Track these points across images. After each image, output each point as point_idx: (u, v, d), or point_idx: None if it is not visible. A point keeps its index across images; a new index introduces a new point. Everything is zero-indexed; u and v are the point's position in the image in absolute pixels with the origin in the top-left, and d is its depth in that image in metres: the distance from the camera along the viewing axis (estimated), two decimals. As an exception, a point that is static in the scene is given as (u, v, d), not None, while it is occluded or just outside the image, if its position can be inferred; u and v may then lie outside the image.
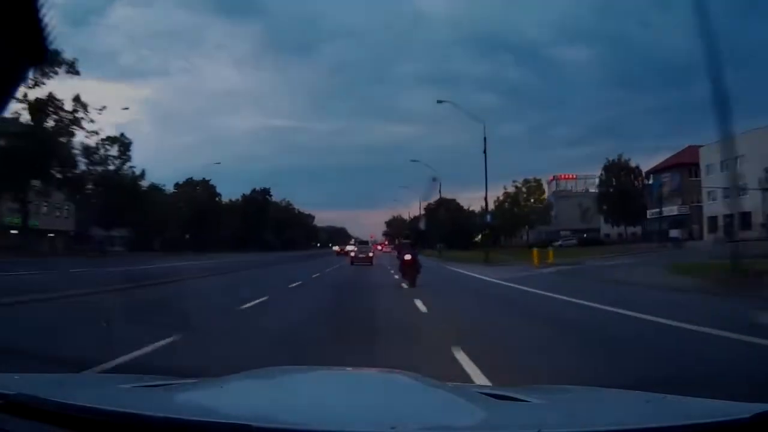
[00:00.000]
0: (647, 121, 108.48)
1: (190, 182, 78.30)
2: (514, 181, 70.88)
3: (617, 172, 64.63)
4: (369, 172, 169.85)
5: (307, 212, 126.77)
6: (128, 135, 57.40)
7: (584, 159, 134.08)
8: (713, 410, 1.49)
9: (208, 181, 79.60)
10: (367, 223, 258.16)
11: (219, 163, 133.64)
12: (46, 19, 0.80)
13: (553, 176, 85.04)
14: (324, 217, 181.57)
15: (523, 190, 70.43)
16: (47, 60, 0.90)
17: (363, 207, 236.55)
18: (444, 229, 66.32)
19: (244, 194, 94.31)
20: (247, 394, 1.80)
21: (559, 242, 61.80)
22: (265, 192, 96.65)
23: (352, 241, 65.26)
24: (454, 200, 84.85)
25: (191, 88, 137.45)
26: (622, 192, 62.69)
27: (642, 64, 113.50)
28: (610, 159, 65.52)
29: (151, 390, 1.84)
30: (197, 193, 78.19)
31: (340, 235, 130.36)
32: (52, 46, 0.82)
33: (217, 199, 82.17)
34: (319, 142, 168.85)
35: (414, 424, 1.44)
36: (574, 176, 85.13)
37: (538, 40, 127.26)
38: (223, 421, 1.26)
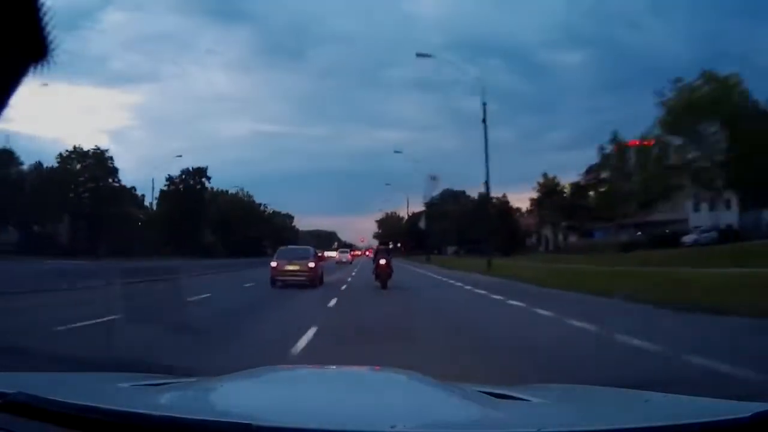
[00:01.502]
0: (639, 124, 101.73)
1: (78, 153, 52.92)
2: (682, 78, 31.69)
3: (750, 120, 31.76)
4: (361, 177, 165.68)
5: (284, 212, 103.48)
6: (119, 141, 45.97)
7: (579, 163, 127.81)
8: (713, 410, 1.48)
9: (104, 151, 53.74)
10: (360, 228, 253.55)
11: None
12: (46, 18, 0.80)
13: (616, 140, 42.68)
14: (316, 223, 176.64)
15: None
16: (48, 57, 0.83)
17: (355, 212, 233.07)
18: (458, 226, 51.38)
19: (169, 176, 63.58)
20: (247, 393, 1.80)
21: (691, 238, 39.43)
22: (200, 173, 63.78)
23: (335, 245, 57.18)
24: (464, 193, 64.95)
25: (182, 93, 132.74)
26: None
27: (634, 68, 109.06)
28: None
29: (151, 389, 1.83)
30: (88, 169, 52.74)
31: (329, 240, 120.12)
32: (53, 45, 0.82)
33: (111, 180, 54.53)
34: (309, 147, 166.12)
35: (414, 423, 1.43)
36: (651, 141, 43.41)
37: (529, 44, 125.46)
38: (223, 420, 1.25)
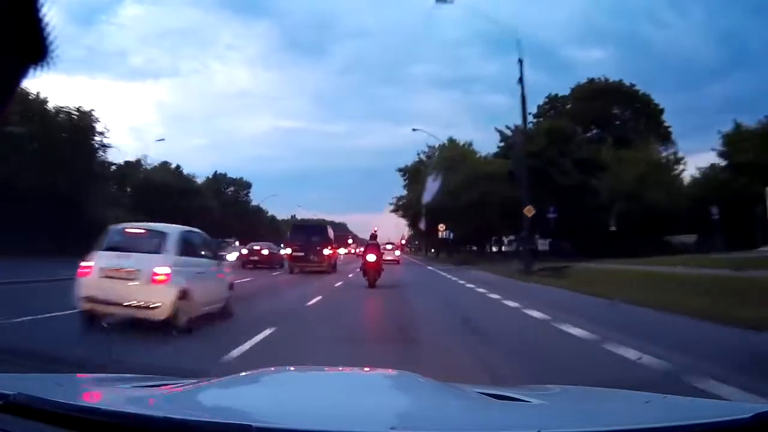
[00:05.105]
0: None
1: None
2: None
3: None
4: (381, 174, 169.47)
5: (237, 177, 66.19)
6: (140, 136, 36.60)
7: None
8: (713, 410, 1.52)
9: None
10: (379, 225, 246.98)
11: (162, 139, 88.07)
12: (46, 19, 0.80)
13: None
14: (335, 220, 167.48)
15: None
16: (48, 58, 0.82)
17: (375, 210, 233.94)
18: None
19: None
20: (247, 394, 1.81)
21: None
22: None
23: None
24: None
25: (202, 88, 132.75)
26: None
27: (656, 65, 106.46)
28: None
29: (151, 390, 1.83)
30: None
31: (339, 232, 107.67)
32: (53, 45, 0.82)
33: None
34: (330, 143, 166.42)
35: (414, 425, 1.43)
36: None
37: (551, 40, 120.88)
38: (223, 421, 1.25)
